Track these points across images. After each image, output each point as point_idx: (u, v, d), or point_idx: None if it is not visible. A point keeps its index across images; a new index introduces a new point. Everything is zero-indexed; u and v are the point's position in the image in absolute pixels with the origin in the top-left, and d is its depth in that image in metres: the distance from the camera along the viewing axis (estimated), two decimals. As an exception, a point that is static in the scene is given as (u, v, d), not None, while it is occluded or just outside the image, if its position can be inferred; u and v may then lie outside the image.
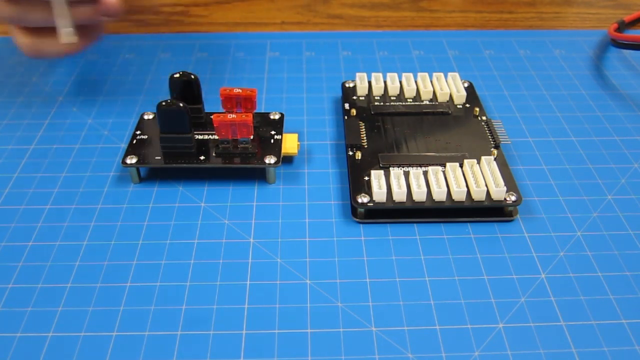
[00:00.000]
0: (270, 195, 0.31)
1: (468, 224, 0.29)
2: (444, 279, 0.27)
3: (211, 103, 0.36)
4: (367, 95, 0.37)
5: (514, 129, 0.36)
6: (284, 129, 0.33)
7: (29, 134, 0.36)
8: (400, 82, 0.37)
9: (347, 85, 0.37)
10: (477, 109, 0.35)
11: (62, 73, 0.41)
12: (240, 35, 0.46)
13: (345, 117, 0.35)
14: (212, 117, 0.32)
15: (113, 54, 0.44)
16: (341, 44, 0.45)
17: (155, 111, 0.32)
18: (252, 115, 0.31)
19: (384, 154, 0.32)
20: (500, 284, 0.27)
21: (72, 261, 0.28)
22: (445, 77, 0.37)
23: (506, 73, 0.41)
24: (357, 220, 0.29)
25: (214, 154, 0.31)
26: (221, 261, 0.28)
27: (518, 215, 0.30)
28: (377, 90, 0.37)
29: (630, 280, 0.27)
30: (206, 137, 0.32)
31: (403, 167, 0.31)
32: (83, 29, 0.34)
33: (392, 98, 0.36)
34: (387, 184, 0.30)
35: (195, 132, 0.32)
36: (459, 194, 0.29)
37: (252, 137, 0.31)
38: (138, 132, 0.33)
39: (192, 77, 0.32)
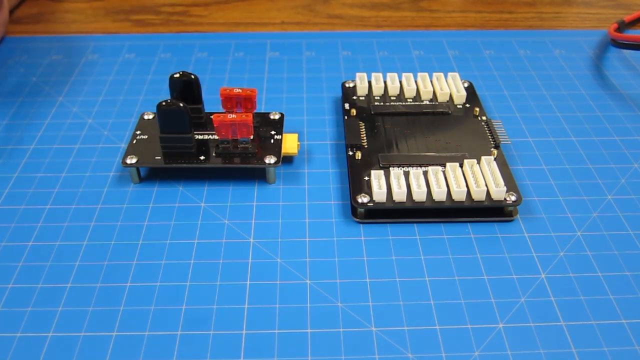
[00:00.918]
0: (270, 195, 0.31)
1: (468, 224, 0.29)
2: (444, 279, 0.27)
3: (211, 103, 0.36)
4: (367, 95, 0.37)
5: (514, 129, 0.36)
6: (284, 129, 0.33)
7: (29, 134, 0.36)
8: (400, 82, 0.37)
9: (347, 85, 0.37)
10: (477, 109, 0.35)
11: (62, 73, 0.41)
12: (240, 35, 0.46)
13: (345, 117, 0.35)
14: (212, 117, 0.32)
15: (113, 54, 0.44)
16: (341, 44, 0.45)
17: (155, 111, 0.32)
18: (252, 115, 0.31)
19: (384, 153, 0.32)
20: (500, 284, 0.27)
21: (72, 261, 0.28)
22: (445, 77, 0.37)
23: (506, 73, 0.42)
24: (357, 220, 0.29)
25: (214, 154, 0.31)
26: (221, 261, 0.28)
27: (518, 215, 0.30)
28: (377, 90, 0.37)
29: (630, 280, 0.27)
30: (206, 137, 0.32)
31: (403, 167, 0.31)
32: None
33: (392, 98, 0.36)
34: (387, 184, 0.30)
35: (195, 132, 0.32)
36: (459, 194, 0.29)
37: (252, 137, 0.31)
38: (138, 132, 0.33)
39: (192, 77, 0.32)
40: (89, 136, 0.35)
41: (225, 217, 0.30)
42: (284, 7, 0.51)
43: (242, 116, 0.30)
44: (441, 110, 0.35)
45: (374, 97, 0.36)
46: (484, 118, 0.34)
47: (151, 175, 0.32)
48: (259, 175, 0.32)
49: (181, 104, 0.30)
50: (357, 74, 0.37)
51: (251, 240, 0.29)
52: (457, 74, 0.37)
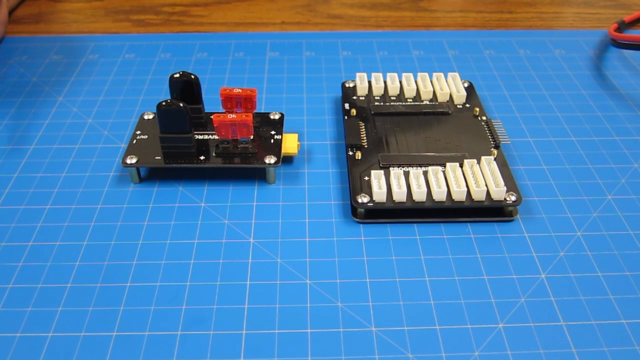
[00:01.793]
0: (270, 195, 0.31)
1: (468, 224, 0.29)
2: (444, 279, 0.27)
3: (211, 103, 0.36)
4: (367, 95, 0.37)
5: (514, 129, 0.36)
6: (284, 129, 0.33)
7: (29, 134, 0.36)
8: (400, 82, 0.37)
9: (347, 85, 0.37)
10: (477, 109, 0.35)
11: (62, 73, 0.41)
12: (240, 35, 0.46)
13: (345, 117, 0.35)
14: (212, 117, 0.32)
15: (113, 54, 0.44)
16: (341, 44, 0.45)
17: (155, 111, 0.32)
18: (252, 115, 0.31)
19: (384, 154, 0.32)
20: (500, 284, 0.27)
21: (72, 261, 0.28)
22: (445, 77, 0.37)
23: (506, 73, 0.42)
24: (357, 220, 0.29)
25: (214, 154, 0.31)
26: (221, 261, 0.28)
27: (518, 216, 0.30)
28: (377, 90, 0.37)
29: (630, 280, 0.27)
30: (206, 137, 0.32)
31: (403, 167, 0.31)
32: None
33: (392, 98, 0.36)
34: (387, 184, 0.30)
35: (195, 132, 0.32)
36: (459, 194, 0.29)
37: (252, 137, 0.31)
38: (138, 132, 0.33)
39: (192, 77, 0.32)
40: (89, 136, 0.35)
41: (225, 217, 0.30)
42: (284, 7, 0.51)
43: (242, 116, 0.30)
44: (441, 110, 0.35)
45: (374, 97, 0.36)
46: (484, 118, 0.34)
47: (151, 175, 0.32)
48: (259, 175, 0.32)
49: (181, 104, 0.30)
50: (357, 74, 0.37)
51: (251, 240, 0.29)
52: (457, 74, 0.37)
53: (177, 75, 0.32)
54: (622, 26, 0.45)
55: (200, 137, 0.32)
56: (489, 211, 0.30)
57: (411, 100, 0.36)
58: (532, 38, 0.46)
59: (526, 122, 0.36)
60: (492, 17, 0.50)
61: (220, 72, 0.42)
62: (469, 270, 0.27)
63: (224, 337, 0.24)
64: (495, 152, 0.32)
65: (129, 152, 0.31)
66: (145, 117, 0.34)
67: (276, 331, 0.25)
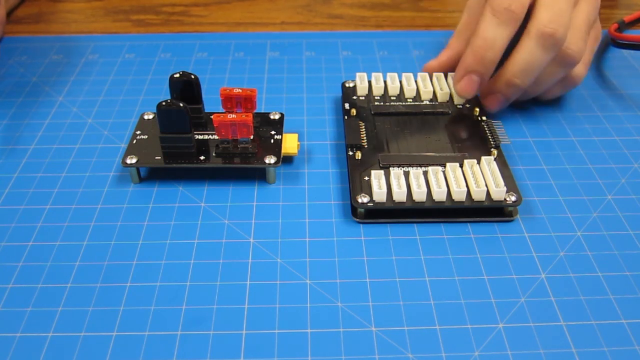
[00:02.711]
0: (270, 195, 0.31)
1: (468, 224, 0.29)
2: (444, 279, 0.27)
3: (211, 103, 0.36)
4: (367, 95, 0.37)
5: (514, 129, 0.36)
6: (284, 129, 0.33)
7: (29, 134, 0.36)
8: (400, 82, 0.37)
9: (347, 85, 0.37)
10: (477, 109, 0.35)
11: (62, 73, 0.41)
12: (240, 35, 0.46)
13: (345, 117, 0.35)
14: (212, 117, 0.32)
15: (113, 54, 0.44)
16: (341, 44, 0.45)
17: (155, 111, 0.32)
18: (252, 115, 0.31)
19: (384, 153, 0.32)
20: (500, 284, 0.27)
21: (72, 261, 0.28)
22: (445, 77, 0.37)
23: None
24: (357, 220, 0.29)
25: (214, 154, 0.31)
26: (221, 261, 0.28)
27: (518, 215, 0.30)
28: (377, 90, 0.37)
29: (630, 280, 0.27)
30: (206, 137, 0.32)
31: (403, 167, 0.31)
32: None
33: (392, 98, 0.36)
34: (387, 184, 0.30)
35: (195, 132, 0.32)
36: (459, 194, 0.29)
37: (252, 137, 0.31)
38: (138, 132, 0.33)
39: (192, 77, 0.32)
40: (89, 136, 0.35)
41: (225, 217, 0.30)
42: (284, 7, 0.51)
43: (242, 116, 0.30)
44: (441, 110, 0.35)
45: (374, 97, 0.36)
46: (484, 118, 0.34)
47: (151, 175, 0.32)
48: (259, 175, 0.32)
49: (181, 104, 0.30)
50: (357, 74, 0.37)
51: (251, 240, 0.29)
52: None
53: (177, 75, 0.32)
54: (622, 26, 0.45)
55: (200, 137, 0.32)
56: (489, 211, 0.30)
57: (411, 100, 0.36)
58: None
59: (526, 122, 0.36)
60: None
61: (220, 72, 0.42)
62: (469, 270, 0.27)
63: (224, 337, 0.24)
64: (495, 152, 0.32)
65: (129, 152, 0.31)
66: (145, 117, 0.34)
67: (276, 331, 0.25)
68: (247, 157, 0.31)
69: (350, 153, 0.32)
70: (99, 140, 0.35)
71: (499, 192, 0.29)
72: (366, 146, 0.32)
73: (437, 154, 0.32)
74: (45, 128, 0.36)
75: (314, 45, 0.45)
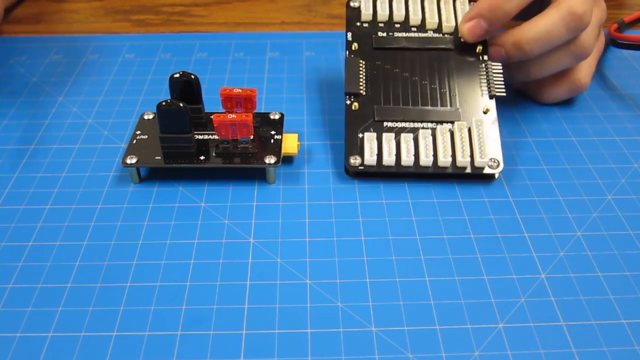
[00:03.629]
0: (270, 195, 0.31)
1: (468, 224, 0.29)
2: (444, 279, 0.27)
3: (211, 103, 0.36)
4: (371, 21, 0.36)
5: (514, 129, 0.36)
6: (284, 129, 0.33)
7: (29, 134, 0.36)
8: (407, 6, 0.36)
9: (352, 4, 0.37)
10: (480, 47, 0.35)
11: (62, 73, 0.41)
12: (240, 35, 0.46)
13: (347, 53, 0.35)
14: (212, 117, 0.32)
15: (113, 54, 0.44)
16: (341, 43, 0.45)
17: (155, 111, 0.32)
18: (252, 115, 0.31)
19: (379, 106, 0.33)
20: (500, 284, 0.27)
21: (72, 261, 0.28)
22: (454, 3, 0.36)
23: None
24: (349, 176, 0.32)
25: (214, 154, 0.31)
26: (221, 261, 0.28)
27: (518, 215, 0.30)
28: (382, 17, 0.36)
29: (630, 280, 0.27)
30: (206, 137, 0.32)
31: (396, 122, 0.32)
32: None
33: (397, 26, 0.36)
34: (379, 148, 0.31)
35: (195, 132, 0.32)
36: (444, 163, 0.31)
37: (252, 137, 0.31)
38: (138, 132, 0.33)
39: (192, 77, 0.32)
40: (89, 136, 0.35)
41: (225, 217, 0.30)
42: (284, 7, 0.51)
43: (242, 116, 0.30)
44: (444, 45, 0.35)
45: (378, 23, 0.36)
46: (485, 58, 0.34)
47: (151, 175, 0.32)
48: (259, 175, 0.32)
49: (181, 104, 0.30)
50: None
51: (251, 240, 0.29)
52: (465, 0, 0.36)
53: (177, 75, 0.32)
54: (622, 26, 0.45)
55: (200, 137, 0.32)
56: (471, 176, 0.32)
57: (415, 29, 0.36)
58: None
59: (526, 122, 0.36)
60: None
61: (220, 72, 0.42)
62: (469, 270, 0.27)
63: (224, 337, 0.24)
64: (489, 106, 0.32)
65: (129, 152, 0.31)
66: (145, 117, 0.34)
67: (276, 331, 0.25)
68: (247, 157, 0.31)
69: (348, 102, 0.33)
70: (99, 140, 0.35)
71: (483, 161, 0.31)
72: (364, 93, 0.33)
73: (431, 108, 0.32)
74: (45, 128, 0.36)
75: (314, 45, 0.45)
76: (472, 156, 0.31)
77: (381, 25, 0.36)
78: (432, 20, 0.36)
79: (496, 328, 0.25)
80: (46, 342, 0.24)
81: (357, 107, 0.33)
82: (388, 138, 0.32)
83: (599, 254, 0.28)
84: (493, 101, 0.33)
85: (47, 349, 0.24)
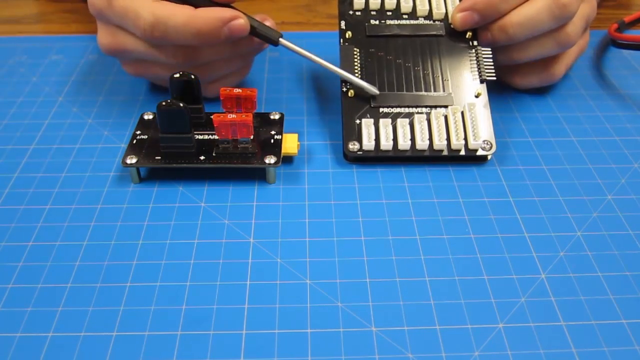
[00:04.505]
0: (270, 195, 0.31)
1: (468, 225, 0.29)
2: (444, 279, 0.27)
3: (211, 103, 0.36)
4: (363, 9, 0.37)
5: (514, 129, 0.36)
6: (284, 129, 0.33)
7: (29, 134, 0.36)
8: None
9: None
10: (470, 33, 0.35)
11: (62, 73, 0.41)
12: (240, 35, 0.46)
13: (341, 41, 0.35)
14: (212, 117, 0.32)
15: (113, 54, 0.44)
16: (341, 44, 0.45)
17: (155, 111, 0.32)
18: (252, 115, 0.31)
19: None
20: (500, 284, 0.27)
21: (72, 261, 0.28)
22: None
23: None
24: (348, 161, 0.33)
25: (214, 154, 0.31)
26: (221, 261, 0.28)
27: (518, 215, 0.30)
28: (374, 5, 0.37)
29: (630, 280, 0.27)
30: (206, 137, 0.32)
31: (392, 107, 0.33)
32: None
33: (389, 14, 0.37)
34: (376, 133, 0.32)
35: (195, 132, 0.32)
36: (439, 146, 0.32)
37: (252, 137, 0.31)
38: (138, 132, 0.33)
39: (192, 77, 0.32)
40: (89, 136, 0.35)
41: (225, 217, 0.30)
42: (284, 7, 0.51)
43: (242, 116, 0.30)
44: (435, 32, 0.35)
45: (370, 12, 0.37)
46: (475, 43, 0.35)
47: (151, 175, 0.32)
48: (259, 175, 0.32)
49: (181, 104, 0.30)
50: None
51: (251, 240, 0.29)
52: None
53: (177, 75, 0.32)
54: (622, 26, 0.45)
55: (200, 137, 0.32)
56: (466, 158, 0.33)
57: (407, 16, 0.36)
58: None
59: (526, 122, 0.36)
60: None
61: (220, 72, 0.41)
62: (469, 270, 0.27)
63: (224, 337, 0.24)
64: (480, 90, 0.33)
65: (129, 152, 0.31)
66: (145, 117, 0.34)
67: (276, 331, 0.25)
68: (247, 157, 0.31)
69: (344, 89, 0.34)
70: (99, 140, 0.35)
71: (476, 143, 0.32)
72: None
73: (425, 93, 0.33)
74: (45, 128, 0.36)
75: (314, 45, 0.45)
76: (465, 139, 0.32)
77: (373, 13, 0.37)
78: (422, 8, 0.36)
79: (496, 328, 0.25)
80: (46, 342, 0.24)
81: (352, 94, 0.33)
82: (385, 123, 0.33)
83: (599, 254, 0.28)
84: (484, 85, 0.34)
85: (47, 349, 0.24)
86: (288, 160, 0.33)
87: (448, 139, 0.32)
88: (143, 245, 0.28)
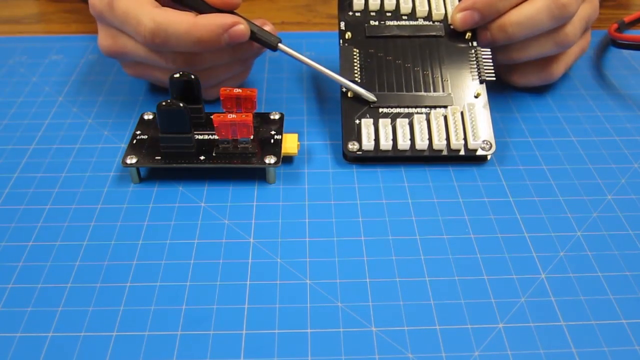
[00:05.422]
0: (270, 195, 0.31)
1: (468, 225, 0.29)
2: (444, 279, 0.27)
3: (211, 103, 0.36)
4: (362, 10, 0.37)
5: (514, 129, 0.36)
6: (284, 129, 0.33)
7: (29, 134, 0.36)
8: None
9: None
10: (469, 34, 0.35)
11: (62, 73, 0.41)
12: (240, 35, 0.46)
13: (341, 42, 0.35)
14: (212, 117, 0.32)
15: (113, 54, 0.44)
16: (341, 44, 0.45)
17: (155, 111, 0.32)
18: (252, 115, 0.31)
19: (375, 93, 0.33)
20: (500, 284, 0.27)
21: (72, 261, 0.28)
22: None
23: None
24: (348, 161, 0.33)
25: (214, 154, 0.31)
26: (221, 261, 0.28)
27: (518, 215, 0.30)
28: (373, 6, 0.37)
29: (630, 280, 0.27)
30: (206, 137, 0.32)
31: (392, 107, 0.33)
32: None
33: (388, 14, 0.37)
34: (376, 133, 0.32)
35: (195, 132, 0.32)
36: (439, 146, 0.32)
37: (252, 137, 0.31)
38: (138, 132, 0.33)
39: (192, 77, 0.32)
40: (89, 136, 0.35)
41: (225, 217, 0.30)
42: (284, 7, 0.51)
43: (242, 116, 0.30)
44: (434, 33, 0.36)
45: (370, 12, 0.37)
46: (474, 44, 0.35)
47: (151, 175, 0.32)
48: (259, 175, 0.32)
49: (181, 104, 0.30)
50: None
51: (251, 240, 0.29)
52: None
53: (177, 75, 0.32)
54: (622, 26, 0.45)
55: (200, 137, 0.32)
56: (465, 158, 0.33)
57: (406, 17, 0.36)
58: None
59: (526, 122, 0.36)
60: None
61: (220, 72, 0.41)
62: (469, 270, 0.27)
63: (224, 337, 0.24)
64: (480, 90, 0.33)
65: (129, 152, 0.31)
66: (145, 117, 0.34)
67: (276, 331, 0.25)
68: (247, 157, 0.31)
69: (344, 90, 0.34)
70: (99, 140, 0.35)
71: (476, 143, 0.32)
72: (359, 81, 0.34)
73: (425, 94, 0.33)
74: (45, 128, 0.36)
75: (314, 45, 0.45)
76: (465, 139, 0.32)
77: (373, 14, 0.37)
78: (422, 9, 0.36)
79: (496, 328, 0.25)
80: (46, 342, 0.24)
81: (352, 94, 0.33)
82: (384, 123, 0.33)
83: (599, 254, 0.28)
84: (483, 85, 0.34)
85: (47, 349, 0.24)
86: (288, 160, 0.33)
87: (448, 139, 0.32)
88: (143, 245, 0.28)
